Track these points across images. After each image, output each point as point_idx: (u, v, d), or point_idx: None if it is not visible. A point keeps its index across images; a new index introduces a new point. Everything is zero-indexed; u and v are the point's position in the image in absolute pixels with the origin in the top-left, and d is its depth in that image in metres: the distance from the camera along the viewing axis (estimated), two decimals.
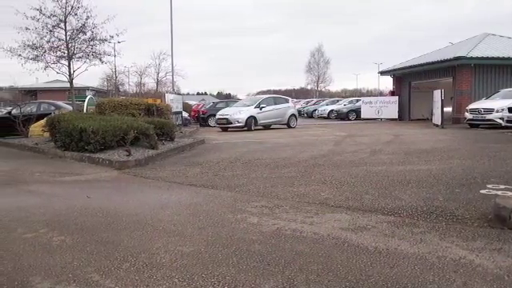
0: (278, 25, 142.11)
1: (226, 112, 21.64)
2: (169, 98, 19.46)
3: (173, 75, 34.26)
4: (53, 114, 13.53)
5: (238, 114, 20.96)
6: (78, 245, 4.07)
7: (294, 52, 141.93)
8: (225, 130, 20.91)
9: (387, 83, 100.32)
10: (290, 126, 22.30)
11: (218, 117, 21.89)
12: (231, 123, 20.73)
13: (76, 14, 15.75)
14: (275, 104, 22.36)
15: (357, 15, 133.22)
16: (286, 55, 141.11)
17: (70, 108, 17.56)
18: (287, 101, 24.09)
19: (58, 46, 15.92)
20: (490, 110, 17.59)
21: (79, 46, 16.10)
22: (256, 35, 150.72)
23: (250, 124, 20.68)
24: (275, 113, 21.97)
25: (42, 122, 13.79)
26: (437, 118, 20.49)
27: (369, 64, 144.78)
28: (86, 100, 17.31)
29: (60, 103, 20.06)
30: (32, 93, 51.32)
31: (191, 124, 24.73)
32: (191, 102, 36.43)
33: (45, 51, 15.80)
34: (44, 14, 15.38)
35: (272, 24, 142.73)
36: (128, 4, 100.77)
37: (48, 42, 15.76)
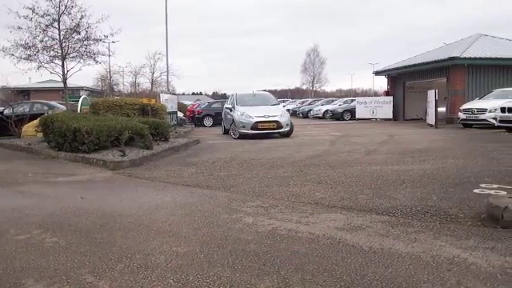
0: (276, 26, 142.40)
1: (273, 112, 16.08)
2: (164, 97, 19.42)
3: (168, 75, 34.33)
4: (46, 114, 13.45)
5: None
6: (72, 246, 4.05)
7: (291, 53, 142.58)
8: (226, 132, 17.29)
9: (382, 83, 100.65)
10: None
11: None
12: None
13: (70, 14, 15.71)
14: None
15: (355, 16, 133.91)
16: (282, 56, 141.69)
17: (64, 108, 17.51)
18: None
19: (51, 46, 15.86)
20: (483, 110, 17.68)
21: (73, 46, 16.05)
22: (253, 36, 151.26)
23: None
24: None
25: (35, 122, 13.72)
26: (431, 118, 20.58)
27: (364, 64, 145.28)
28: (80, 100, 17.24)
29: (53, 103, 19.98)
30: (25, 93, 50.93)
31: (186, 124, 24.68)
32: (186, 102, 36.42)
33: (38, 51, 15.73)
34: (37, 13, 15.32)
35: (269, 25, 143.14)
36: (124, 4, 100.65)
37: (41, 41, 15.71)
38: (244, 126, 15.69)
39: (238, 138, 15.54)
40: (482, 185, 6.18)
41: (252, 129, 15.57)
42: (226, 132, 17.88)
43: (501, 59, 22.45)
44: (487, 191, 5.74)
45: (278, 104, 18.07)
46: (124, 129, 10.36)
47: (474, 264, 3.39)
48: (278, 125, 15.70)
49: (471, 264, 3.40)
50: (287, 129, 15.95)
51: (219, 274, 3.30)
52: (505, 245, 3.80)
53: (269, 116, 15.77)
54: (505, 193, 5.50)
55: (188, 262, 3.56)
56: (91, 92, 49.46)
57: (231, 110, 16.72)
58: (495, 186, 6.09)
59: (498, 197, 5.04)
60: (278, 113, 16.21)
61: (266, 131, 15.63)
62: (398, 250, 3.74)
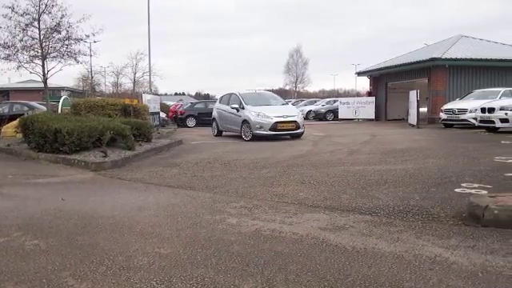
0: (260, 27, 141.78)
1: None
2: (146, 98, 19.26)
3: (150, 75, 34.13)
4: (26, 115, 13.24)
5: None
6: (53, 249, 3.99)
7: (274, 53, 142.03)
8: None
9: (364, 84, 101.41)
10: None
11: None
12: None
13: (50, 13, 15.55)
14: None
15: (337, 18, 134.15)
16: (266, 56, 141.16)
17: (44, 108, 17.30)
18: None
19: (31, 45, 15.67)
20: (464, 111, 17.95)
21: (54, 46, 15.89)
22: (237, 37, 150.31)
23: None
24: None
25: (15, 122, 13.49)
26: (412, 118, 20.80)
27: (347, 65, 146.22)
28: (61, 100, 17.02)
29: (33, 104, 19.74)
30: (4, 93, 50.25)
31: (169, 125, 24.54)
32: (169, 103, 36.21)
33: (17, 50, 15.52)
34: (16, 12, 15.13)
35: (254, 26, 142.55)
36: (106, 3, 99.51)
37: (21, 40, 15.51)
38: (262, 127, 14.64)
39: (250, 140, 14.60)
40: (463, 184, 6.26)
41: (271, 130, 14.59)
42: (219, 133, 17.24)
43: (481, 60, 22.84)
44: (468, 190, 5.82)
45: (287, 103, 17.18)
46: (106, 129, 10.25)
47: (455, 263, 3.43)
48: (297, 125, 14.92)
49: (453, 263, 3.43)
50: (303, 129, 15.29)
51: (203, 275, 3.28)
52: (485, 243, 3.85)
53: (287, 116, 14.93)
54: (485, 192, 5.59)
55: (171, 264, 3.53)
56: (72, 92, 49.01)
57: (238, 110, 15.58)
58: (476, 185, 6.18)
59: (478, 196, 5.11)
60: (295, 112, 15.57)
61: (284, 132, 14.85)
62: (381, 250, 3.76)
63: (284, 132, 14.80)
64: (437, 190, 6.02)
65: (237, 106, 15.79)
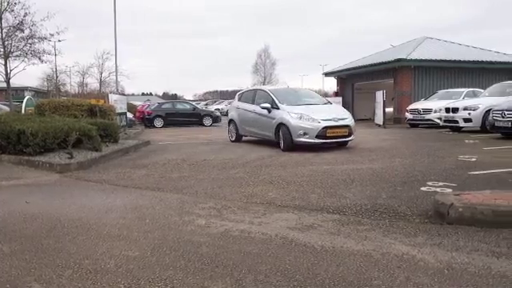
0: (229, 27, 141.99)
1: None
2: (112, 98, 18.95)
3: (116, 75, 33.50)
4: None
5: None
6: (17, 253, 3.87)
7: (244, 53, 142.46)
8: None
9: (331, 84, 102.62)
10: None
11: None
12: None
13: (13, 11, 15.14)
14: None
15: (306, 19, 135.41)
16: (235, 57, 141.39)
17: (7, 109, 16.78)
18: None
19: None
20: (429, 111, 18.41)
21: (16, 44, 15.48)
22: (206, 37, 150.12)
23: None
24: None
25: None
26: (379, 118, 21.16)
27: (314, 66, 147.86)
28: (25, 101, 16.58)
29: None
30: None
31: (136, 125, 24.22)
32: (136, 103, 35.77)
33: None
34: None
35: (223, 26, 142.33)
36: (72, 2, 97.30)
37: None
38: (306, 133, 11.10)
39: (287, 151, 11.14)
40: (428, 183, 6.41)
41: (318, 137, 11.08)
42: (239, 138, 14.15)
43: (445, 61, 23.45)
44: (434, 189, 5.96)
45: (330, 103, 13.38)
46: (71, 130, 10.03)
47: (422, 260, 3.50)
48: (349, 131, 11.50)
49: (419, 260, 3.50)
50: (353, 137, 11.91)
51: (171, 278, 3.24)
52: (451, 240, 3.94)
53: (338, 119, 11.45)
54: (450, 190, 5.73)
55: (139, 266, 3.48)
56: (36, 92, 47.84)
57: (270, 111, 12.12)
58: (441, 183, 6.33)
59: (443, 194, 5.23)
60: (346, 114, 11.97)
61: (335, 140, 11.39)
62: (349, 248, 3.80)
63: (334, 140, 11.41)
64: (403, 188, 6.14)
65: (268, 105, 12.25)
